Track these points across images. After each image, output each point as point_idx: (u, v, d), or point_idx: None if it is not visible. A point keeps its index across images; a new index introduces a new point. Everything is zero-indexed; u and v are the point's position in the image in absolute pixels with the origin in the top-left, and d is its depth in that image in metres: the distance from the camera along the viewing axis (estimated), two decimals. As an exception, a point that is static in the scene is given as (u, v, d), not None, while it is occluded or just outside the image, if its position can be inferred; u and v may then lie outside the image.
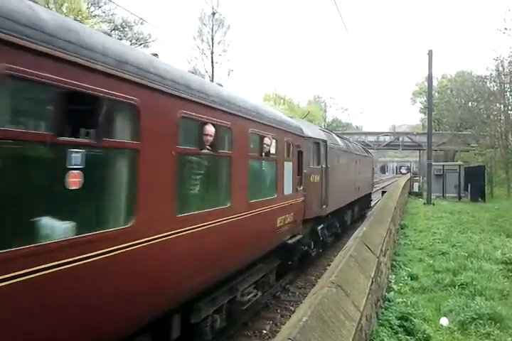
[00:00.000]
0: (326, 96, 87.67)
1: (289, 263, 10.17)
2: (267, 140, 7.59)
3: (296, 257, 10.47)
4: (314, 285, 9.88)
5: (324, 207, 12.16)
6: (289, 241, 9.24)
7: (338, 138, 15.90)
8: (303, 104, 76.74)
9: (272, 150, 8.03)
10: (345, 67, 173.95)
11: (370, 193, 25.81)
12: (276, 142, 8.21)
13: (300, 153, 10.05)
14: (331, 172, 12.81)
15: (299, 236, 9.84)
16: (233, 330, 7.64)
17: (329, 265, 9.62)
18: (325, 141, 12.50)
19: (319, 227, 12.34)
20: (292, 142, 9.26)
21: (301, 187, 10.07)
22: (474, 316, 7.13)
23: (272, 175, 8.27)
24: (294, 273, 11.40)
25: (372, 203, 26.29)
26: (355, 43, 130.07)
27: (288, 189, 8.95)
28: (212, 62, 44.04)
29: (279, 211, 8.38)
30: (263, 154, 7.58)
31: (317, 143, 11.81)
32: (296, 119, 11.67)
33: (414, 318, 6.76)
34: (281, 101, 65.79)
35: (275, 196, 8.20)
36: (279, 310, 9.06)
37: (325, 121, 79.53)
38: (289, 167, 9.06)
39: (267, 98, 64.05)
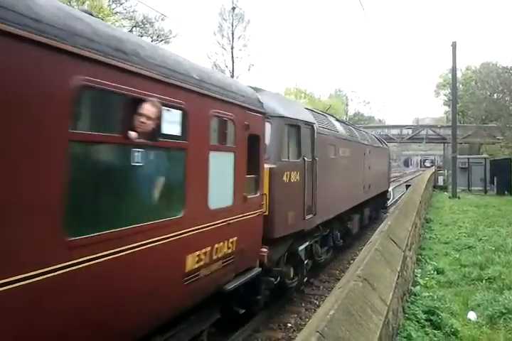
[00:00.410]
0: (348, 90, 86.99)
1: (242, 312, 6.73)
2: (148, 108, 4.09)
3: (260, 297, 7.21)
4: (338, 279, 9.90)
5: (309, 217, 8.70)
6: (229, 287, 5.76)
7: (336, 123, 12.31)
8: (324, 98, 76.24)
9: (172, 130, 4.52)
10: (367, 59, 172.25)
11: (387, 191, 21.87)
12: (187, 115, 4.68)
13: (255, 139, 6.56)
14: (321, 168, 9.34)
15: (253, 272, 6.52)
16: (257, 323, 7.69)
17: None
18: (310, 124, 9.00)
19: (301, 247, 8.76)
20: (234, 119, 5.80)
21: (258, 193, 6.69)
22: (503, 310, 7.02)
23: (171, 175, 4.67)
24: (261, 321, 7.89)
25: (397, 196, 25.87)
26: (377, 36, 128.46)
27: (221, 198, 5.57)
28: (232, 57, 44.08)
29: (193, 241, 4.86)
30: (135, 136, 3.95)
31: (295, 125, 8.23)
32: (270, 93, 8.66)
33: (441, 312, 6.70)
34: (302, 95, 65.51)
35: (181, 215, 4.62)
36: (303, 304, 9.10)
37: (346, 114, 78.88)
38: (224, 161, 5.67)
39: (288, 92, 63.87)
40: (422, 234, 13.84)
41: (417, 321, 6.28)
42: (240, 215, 6.05)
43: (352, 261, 11.31)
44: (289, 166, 7.90)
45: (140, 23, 37.98)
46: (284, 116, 7.86)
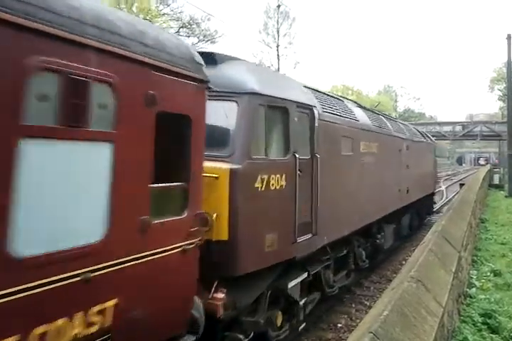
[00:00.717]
0: (397, 86, 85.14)
1: None
2: None
3: None
4: (389, 280, 9.75)
5: (305, 238, 6.20)
6: None
7: (357, 110, 9.58)
8: (372, 95, 75.00)
9: None
10: (417, 55, 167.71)
11: (433, 194, 18.92)
12: None
13: (180, 123, 4.16)
14: (327, 168, 6.89)
15: None
16: (308, 323, 7.68)
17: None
18: (307, 108, 6.49)
19: (293, 283, 6.22)
20: (115, 82, 3.32)
21: (186, 213, 4.12)
22: None
23: None
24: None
25: (450, 195, 24.90)
26: (428, 29, 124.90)
27: (63, 232, 3.04)
28: (278, 55, 44.10)
29: None
30: None
31: (279, 107, 5.78)
32: (242, 62, 6.10)
33: (499, 316, 6.47)
34: (350, 92, 64.75)
35: None
36: (353, 305, 9.01)
37: (396, 111, 77.29)
38: (80, 158, 3.17)
39: (335, 89, 63.25)
40: (477, 234, 13.40)
41: (473, 324, 6.11)
42: (130, 257, 3.44)
43: (404, 262, 11.12)
44: (268, 167, 5.42)
45: (187, 24, 38.67)
46: (258, 93, 5.34)
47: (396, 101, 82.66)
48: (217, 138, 5.03)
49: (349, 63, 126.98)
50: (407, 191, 12.75)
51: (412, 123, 25.68)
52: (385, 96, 76.44)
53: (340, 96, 9.82)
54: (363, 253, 9.64)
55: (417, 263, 5.20)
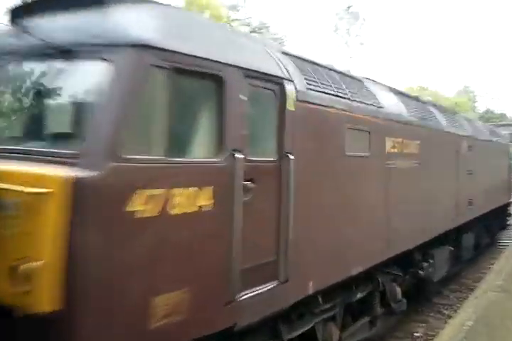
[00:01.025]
0: (476, 86, 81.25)
1: None
2: None
3: None
4: (470, 289, 9.27)
5: (259, 291, 3.82)
6: None
7: (385, 94, 6.97)
8: (450, 95, 72.24)
9: None
10: (497, 53, 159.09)
11: (508, 204, 15.58)
12: None
13: None
14: (313, 176, 4.68)
15: None
16: (384, 331, 7.46)
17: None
18: (272, 80, 4.15)
19: None
20: None
21: None
22: None
23: None
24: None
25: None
26: (508, 25, 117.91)
27: None
28: (348, 56, 43.74)
29: None
30: None
31: (203, 75, 3.43)
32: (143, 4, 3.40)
33: None
34: (426, 92, 63.01)
35: None
36: (432, 314, 8.67)
37: (474, 111, 73.89)
38: None
39: (411, 90, 61.91)
40: None
41: None
42: None
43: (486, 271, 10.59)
44: (165, 175, 3.10)
45: (256, 29, 39.31)
46: (151, 46, 3.07)
47: (474, 101, 78.96)
48: (61, 124, 3.15)
49: (426, 64, 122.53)
50: (470, 203, 10.20)
51: (493, 124, 23.97)
52: (464, 96, 73.34)
53: (363, 77, 6.93)
54: (398, 290, 6.93)
55: (504, 271, 4.91)
